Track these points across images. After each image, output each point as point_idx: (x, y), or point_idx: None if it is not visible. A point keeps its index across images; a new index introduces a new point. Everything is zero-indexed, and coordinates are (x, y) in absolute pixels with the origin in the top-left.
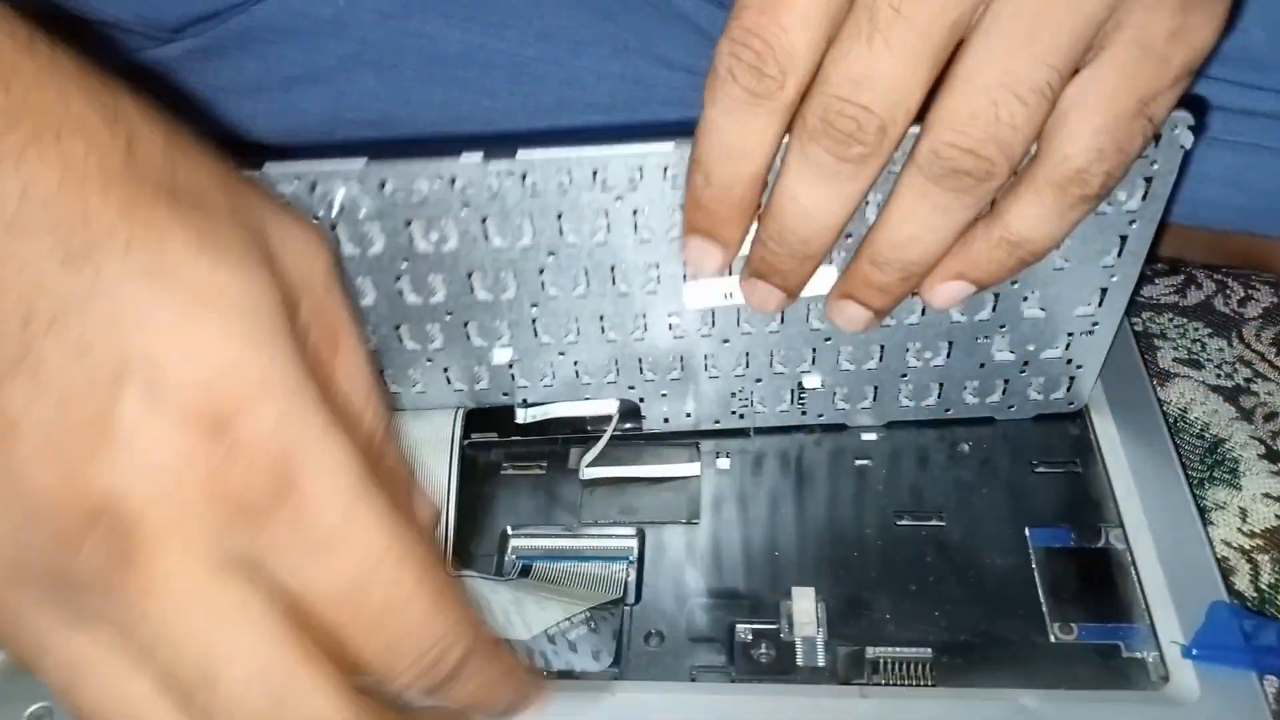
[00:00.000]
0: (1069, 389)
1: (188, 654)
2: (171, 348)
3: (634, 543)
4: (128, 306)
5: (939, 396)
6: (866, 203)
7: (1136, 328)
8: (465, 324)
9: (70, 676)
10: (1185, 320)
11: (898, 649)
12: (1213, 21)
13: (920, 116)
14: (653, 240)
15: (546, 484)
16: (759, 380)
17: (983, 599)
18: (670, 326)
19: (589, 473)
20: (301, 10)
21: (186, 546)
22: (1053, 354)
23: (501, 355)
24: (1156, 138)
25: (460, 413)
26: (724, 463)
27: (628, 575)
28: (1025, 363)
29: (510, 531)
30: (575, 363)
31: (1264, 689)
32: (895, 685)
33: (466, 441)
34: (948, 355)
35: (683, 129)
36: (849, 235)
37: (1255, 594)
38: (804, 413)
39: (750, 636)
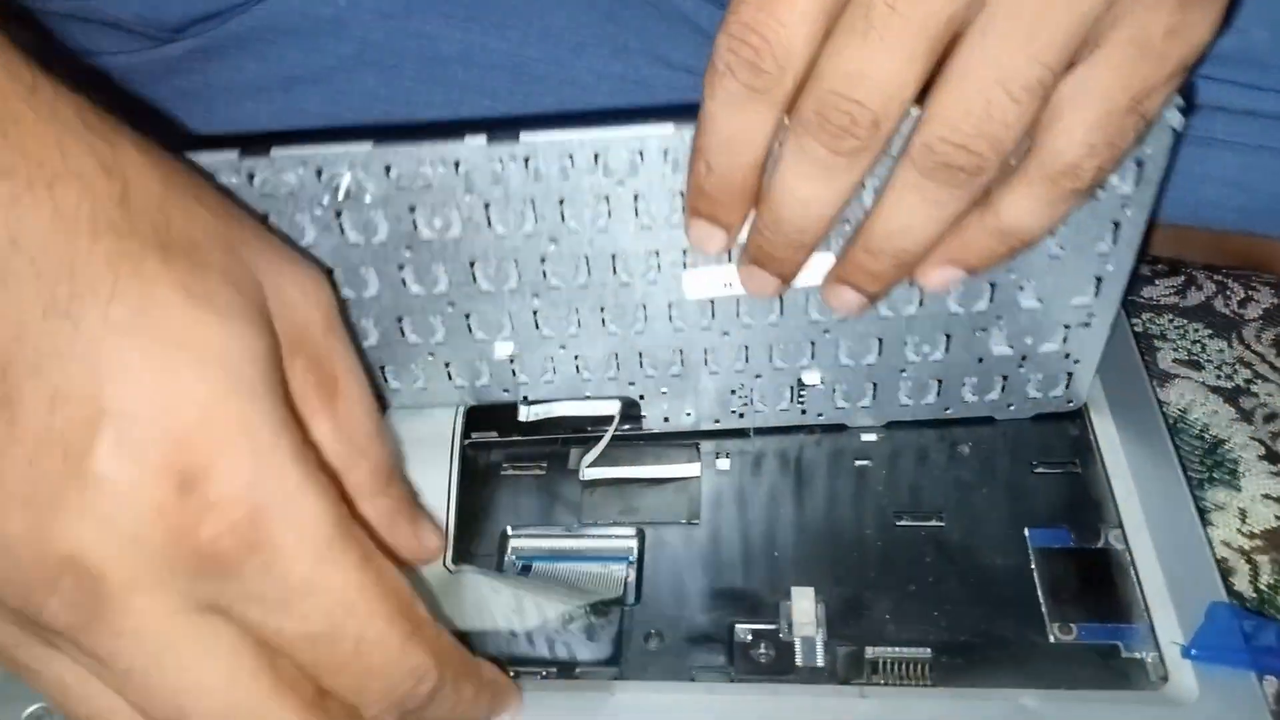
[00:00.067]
0: (1067, 386)
1: (158, 696)
2: (146, 401)
3: (634, 543)
4: (105, 359)
5: (938, 394)
6: (863, 186)
7: (1136, 328)
8: (467, 316)
9: (57, 692)
10: (1185, 321)
11: (897, 649)
12: (1210, 19)
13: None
14: (653, 227)
15: (547, 484)
16: (758, 376)
17: (982, 599)
18: (670, 319)
19: (589, 473)
20: (302, 10)
21: (154, 596)
22: (1050, 348)
23: (503, 349)
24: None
25: (461, 411)
26: (724, 463)
27: (628, 575)
28: (1023, 357)
29: (510, 532)
30: (576, 357)
31: (1263, 689)
32: (894, 685)
33: (467, 441)
34: (946, 349)
35: (683, 110)
36: (846, 221)
37: (1254, 594)
38: (804, 412)
39: (750, 636)
